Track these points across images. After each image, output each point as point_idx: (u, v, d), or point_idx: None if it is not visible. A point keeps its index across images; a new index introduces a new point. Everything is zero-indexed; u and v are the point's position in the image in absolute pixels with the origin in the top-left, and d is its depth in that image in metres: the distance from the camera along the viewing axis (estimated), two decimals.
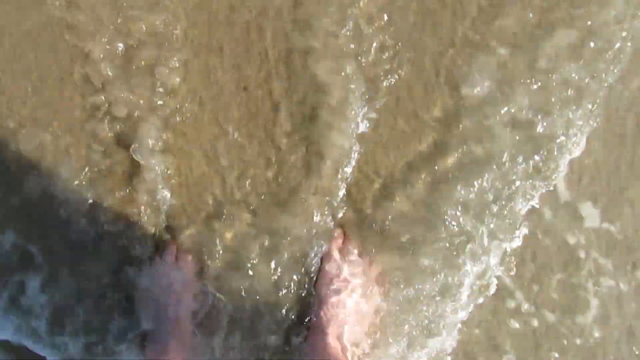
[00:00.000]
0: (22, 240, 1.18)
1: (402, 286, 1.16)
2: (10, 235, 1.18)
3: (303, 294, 1.19)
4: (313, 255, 1.18)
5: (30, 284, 1.18)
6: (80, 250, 1.19)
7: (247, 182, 1.19)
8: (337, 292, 1.11)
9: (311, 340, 1.12)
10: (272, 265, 1.18)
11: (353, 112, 1.17)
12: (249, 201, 1.19)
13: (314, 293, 1.17)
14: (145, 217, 1.19)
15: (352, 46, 1.16)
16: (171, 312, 1.10)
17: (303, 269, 1.19)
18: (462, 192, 1.16)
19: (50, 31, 1.19)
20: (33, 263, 1.18)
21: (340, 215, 1.19)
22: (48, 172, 1.19)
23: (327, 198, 1.18)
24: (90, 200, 1.19)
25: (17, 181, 1.19)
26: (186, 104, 1.20)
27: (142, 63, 1.18)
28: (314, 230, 1.18)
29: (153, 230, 1.19)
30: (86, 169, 1.19)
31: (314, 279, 1.18)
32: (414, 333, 1.18)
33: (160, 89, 1.18)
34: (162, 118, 1.19)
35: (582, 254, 1.23)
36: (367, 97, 1.18)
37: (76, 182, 1.19)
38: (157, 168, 1.18)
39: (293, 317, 1.18)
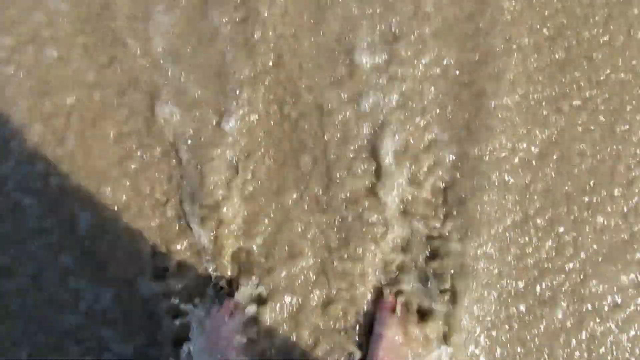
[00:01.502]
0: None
1: None
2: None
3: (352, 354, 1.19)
4: (364, 316, 1.19)
5: None
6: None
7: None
8: (389, 354, 1.11)
9: None
10: (326, 322, 1.19)
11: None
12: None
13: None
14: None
15: None
16: None
17: (357, 330, 1.19)
18: None
19: None
20: None
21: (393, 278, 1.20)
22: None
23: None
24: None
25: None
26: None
27: None
28: (369, 295, 1.19)
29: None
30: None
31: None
32: None
33: None
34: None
35: None
36: None
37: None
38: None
39: None
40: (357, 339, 1.18)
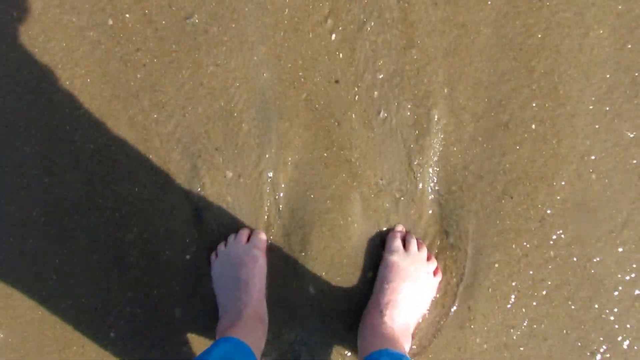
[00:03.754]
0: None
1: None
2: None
3: (367, 276, 1.27)
4: (376, 243, 1.27)
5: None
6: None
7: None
8: (397, 279, 1.19)
9: (367, 320, 1.19)
10: (339, 246, 1.27)
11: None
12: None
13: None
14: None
15: None
16: (243, 283, 1.19)
17: (367, 256, 1.27)
18: None
19: None
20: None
21: (404, 208, 1.27)
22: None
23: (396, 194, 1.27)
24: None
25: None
26: None
27: None
28: (378, 225, 1.27)
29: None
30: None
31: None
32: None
33: None
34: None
35: None
36: None
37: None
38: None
39: (356, 298, 1.27)
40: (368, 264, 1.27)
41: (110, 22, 1.29)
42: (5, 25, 1.30)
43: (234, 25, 1.28)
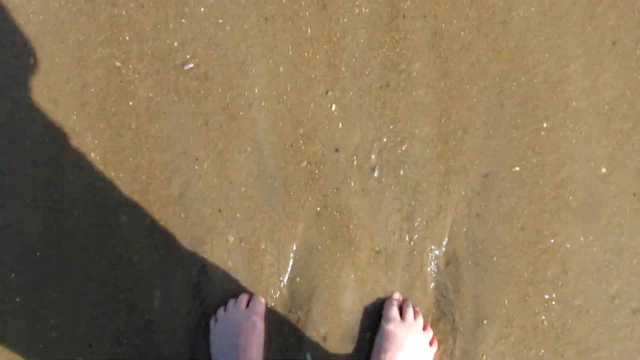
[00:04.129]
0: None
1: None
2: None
3: (365, 338, 1.30)
4: (373, 309, 1.30)
5: None
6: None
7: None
8: (393, 348, 1.21)
9: None
10: (341, 318, 1.30)
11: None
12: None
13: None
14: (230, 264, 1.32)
15: None
16: (241, 350, 1.21)
17: (365, 322, 1.30)
18: None
19: None
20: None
21: (401, 275, 1.30)
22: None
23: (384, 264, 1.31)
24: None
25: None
26: None
27: None
28: (375, 291, 1.31)
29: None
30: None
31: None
32: None
33: None
34: None
35: None
36: None
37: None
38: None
39: None
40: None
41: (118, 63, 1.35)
42: (19, 69, 1.35)
43: (237, 88, 1.33)
